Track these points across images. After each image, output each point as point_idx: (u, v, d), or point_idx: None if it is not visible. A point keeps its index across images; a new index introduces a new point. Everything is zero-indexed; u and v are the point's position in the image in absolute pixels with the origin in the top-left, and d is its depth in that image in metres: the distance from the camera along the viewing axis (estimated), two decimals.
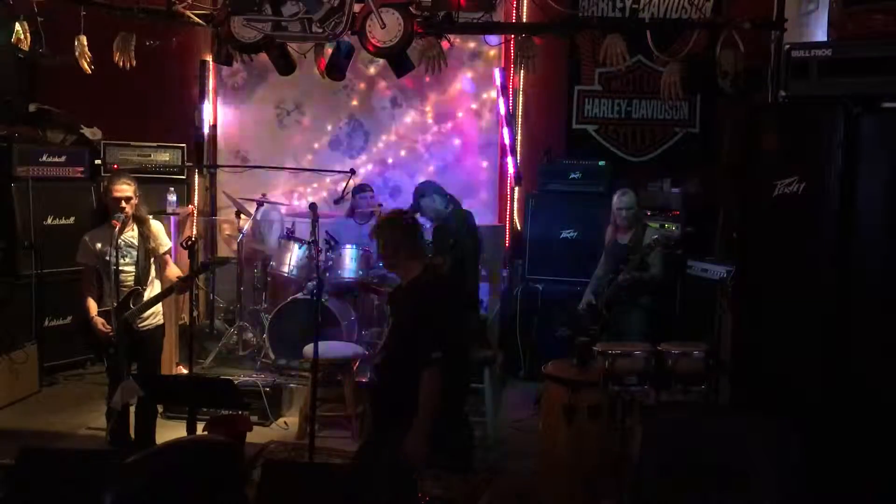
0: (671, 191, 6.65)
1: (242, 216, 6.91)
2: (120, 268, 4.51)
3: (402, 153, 7.54)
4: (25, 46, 5.28)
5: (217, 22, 5.08)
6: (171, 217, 6.48)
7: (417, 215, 5.06)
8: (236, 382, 5.29)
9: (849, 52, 3.87)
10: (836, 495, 3.62)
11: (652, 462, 2.97)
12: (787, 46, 4.12)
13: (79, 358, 6.66)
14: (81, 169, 6.82)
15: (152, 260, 4.71)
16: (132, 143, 6.93)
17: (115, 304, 4.51)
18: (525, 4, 6.95)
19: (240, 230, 6.89)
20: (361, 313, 6.52)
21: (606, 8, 6.97)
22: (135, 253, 4.62)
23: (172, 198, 6.69)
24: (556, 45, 6.88)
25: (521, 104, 7.29)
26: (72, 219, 6.61)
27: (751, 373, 4.21)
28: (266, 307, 6.81)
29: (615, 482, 4.10)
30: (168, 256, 4.80)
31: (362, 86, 7.50)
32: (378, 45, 4.61)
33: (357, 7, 4.63)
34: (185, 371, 5.51)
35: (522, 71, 6.88)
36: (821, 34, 4.71)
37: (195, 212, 7.11)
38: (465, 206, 7.20)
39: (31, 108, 7.02)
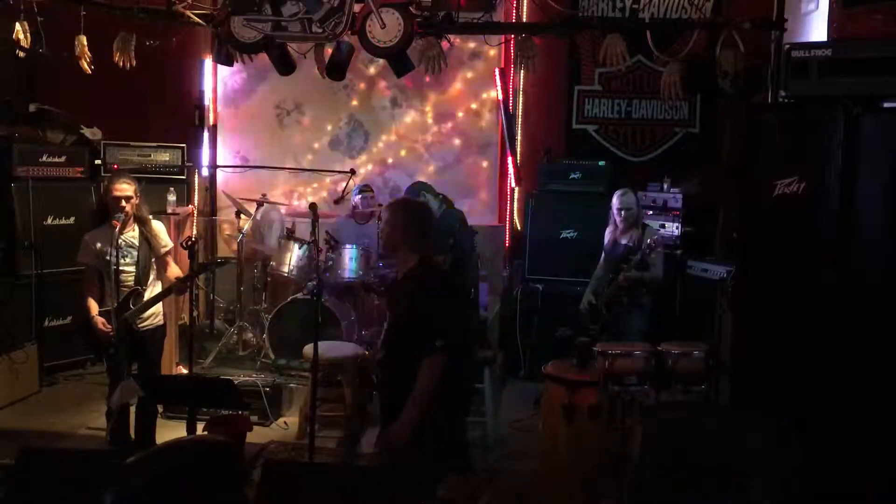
0: (671, 191, 6.65)
1: (242, 216, 6.91)
2: (120, 268, 4.51)
3: (402, 153, 7.54)
4: (26, 46, 5.28)
5: (217, 22, 5.09)
6: (171, 217, 6.48)
7: None
8: (236, 382, 5.29)
9: (849, 52, 3.87)
10: (836, 495, 3.62)
11: (652, 462, 2.97)
12: (787, 46, 4.12)
13: (79, 358, 6.66)
14: (81, 169, 6.82)
15: (153, 260, 4.70)
16: (132, 143, 6.93)
17: (116, 305, 4.51)
18: (525, 4, 6.95)
19: (240, 230, 6.89)
20: (361, 313, 6.52)
21: (606, 8, 6.97)
22: (135, 253, 4.62)
23: (172, 198, 6.69)
24: (556, 45, 6.88)
25: (521, 104, 7.29)
26: (72, 219, 6.60)
27: (751, 373, 4.21)
28: (266, 307, 6.81)
29: (615, 482, 4.10)
30: (169, 257, 4.79)
31: (362, 86, 7.50)
32: (378, 45, 4.61)
33: (357, 7, 4.63)
34: (185, 371, 5.51)
35: (522, 71, 6.88)
36: (821, 34, 4.71)
37: (195, 212, 7.11)
38: (465, 207, 7.24)
39: (31, 108, 7.02)
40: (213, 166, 7.64)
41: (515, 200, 7.29)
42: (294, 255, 6.46)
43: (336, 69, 5.01)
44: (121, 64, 5.35)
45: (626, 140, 7.16)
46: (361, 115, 7.55)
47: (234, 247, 7.01)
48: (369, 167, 7.55)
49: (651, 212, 6.38)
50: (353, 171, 7.09)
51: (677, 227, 6.44)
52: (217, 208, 7.69)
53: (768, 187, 3.96)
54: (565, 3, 5.79)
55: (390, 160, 7.54)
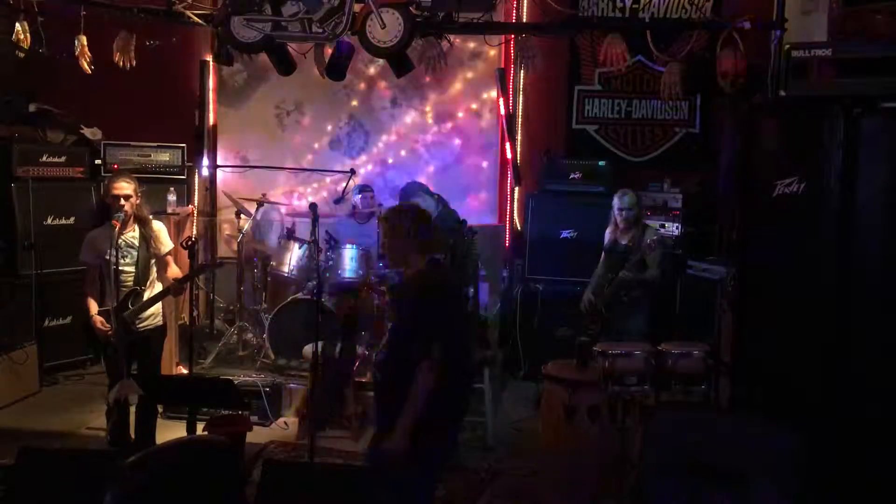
0: (671, 191, 6.65)
1: (242, 216, 6.91)
2: (120, 268, 4.51)
3: (402, 153, 7.54)
4: (26, 46, 5.28)
5: (217, 22, 5.08)
6: (171, 217, 6.47)
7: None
8: (236, 382, 5.29)
9: (849, 52, 3.87)
10: (836, 495, 3.62)
11: (652, 462, 2.97)
12: (787, 46, 4.12)
13: (79, 358, 6.66)
14: (81, 169, 6.83)
15: (153, 261, 4.70)
16: (132, 143, 6.93)
17: (115, 304, 4.51)
18: (525, 4, 6.95)
19: (240, 230, 6.89)
20: (361, 314, 6.51)
21: (606, 8, 6.97)
22: (135, 253, 4.62)
23: (172, 198, 6.69)
24: (556, 45, 6.88)
25: (521, 104, 7.29)
26: (72, 219, 6.61)
27: (751, 373, 4.21)
28: (266, 307, 6.81)
29: (615, 482, 4.11)
30: (169, 257, 4.79)
31: (362, 86, 7.50)
32: (378, 45, 4.61)
33: (357, 7, 4.63)
34: (185, 371, 5.51)
35: (522, 71, 6.88)
36: (821, 34, 4.71)
37: (195, 212, 7.11)
38: (465, 207, 7.25)
39: (31, 108, 7.02)
40: (213, 166, 7.64)
41: (515, 200, 7.29)
42: (294, 255, 6.46)
43: (336, 69, 5.01)
44: (121, 64, 5.35)
45: (626, 140, 7.16)
46: (361, 115, 7.55)
47: (234, 247, 7.01)
48: (369, 167, 7.55)
49: (651, 212, 6.38)
50: (353, 171, 7.09)
51: (677, 227, 6.44)
52: (217, 208, 7.68)
53: (768, 187, 3.96)
54: (565, 3, 5.79)
55: (390, 160, 7.54)
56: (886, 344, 3.65)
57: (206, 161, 7.57)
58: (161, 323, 4.78)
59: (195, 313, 6.10)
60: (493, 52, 7.26)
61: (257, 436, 5.16)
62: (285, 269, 6.46)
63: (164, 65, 6.79)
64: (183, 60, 7.30)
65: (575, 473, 4.30)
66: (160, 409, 5.03)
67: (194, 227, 6.92)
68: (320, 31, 4.69)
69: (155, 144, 6.98)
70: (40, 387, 6.16)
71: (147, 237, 4.65)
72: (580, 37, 6.96)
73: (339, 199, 6.90)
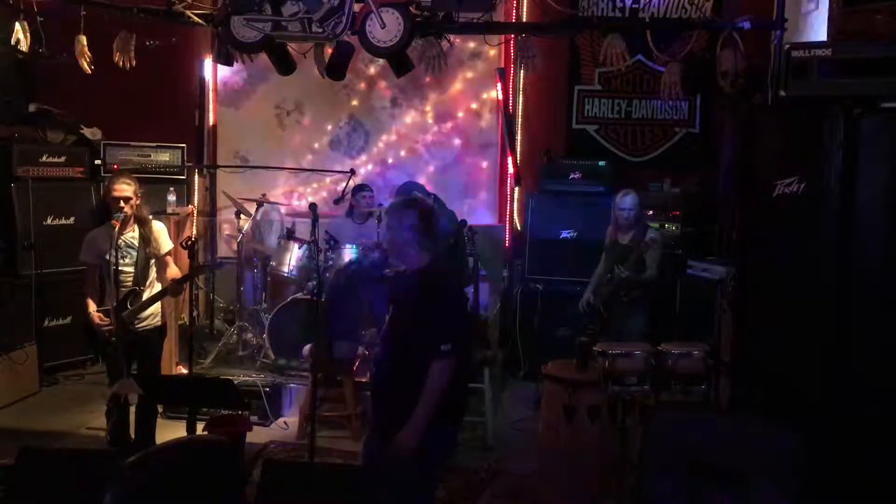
0: (671, 191, 6.65)
1: (242, 216, 6.91)
2: (120, 268, 4.51)
3: (402, 153, 7.54)
4: (25, 47, 5.28)
5: (217, 22, 5.08)
6: (171, 217, 6.47)
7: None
8: (236, 382, 5.29)
9: (849, 52, 3.87)
10: (837, 495, 3.62)
11: (652, 462, 2.97)
12: (787, 46, 4.11)
13: (79, 358, 6.67)
14: (81, 169, 6.83)
15: (152, 261, 4.70)
16: (132, 143, 6.93)
17: (115, 304, 4.51)
18: (525, 4, 6.95)
19: (240, 230, 6.89)
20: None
21: (606, 8, 6.97)
22: (135, 253, 4.62)
23: (172, 198, 6.70)
24: (556, 45, 6.88)
25: (521, 104, 7.29)
26: (72, 219, 6.61)
27: (751, 373, 4.21)
28: (266, 307, 6.81)
29: (615, 482, 4.11)
30: (169, 258, 4.79)
31: (362, 86, 7.50)
32: (378, 45, 4.61)
33: (357, 7, 4.63)
34: (185, 371, 5.51)
35: (522, 71, 6.88)
36: (821, 34, 4.70)
37: (195, 212, 7.11)
38: (465, 207, 7.25)
39: (31, 108, 7.03)
40: (213, 166, 7.64)
41: (515, 200, 7.29)
42: (294, 255, 6.46)
43: (336, 69, 5.00)
44: (121, 64, 5.34)
45: (626, 140, 7.16)
46: (361, 115, 7.56)
47: (234, 247, 7.01)
48: (369, 167, 7.55)
49: (651, 212, 6.38)
50: (353, 171, 7.09)
51: (677, 227, 6.44)
52: (217, 208, 7.69)
53: (768, 187, 3.96)
54: (565, 3, 5.78)
55: (390, 160, 7.54)
56: (886, 344, 3.65)
57: (206, 161, 7.58)
58: (160, 323, 4.78)
59: (195, 313, 6.11)
60: (493, 52, 7.26)
61: (257, 436, 5.17)
62: (285, 269, 6.46)
63: (164, 65, 6.79)
64: (183, 60, 7.31)
65: (575, 473, 4.30)
66: (160, 409, 5.03)
67: (194, 227, 6.92)
68: (320, 31, 4.69)
69: (155, 144, 6.99)
70: (40, 387, 6.17)
71: (147, 237, 4.65)
72: (580, 37, 6.96)
73: (339, 199, 6.90)
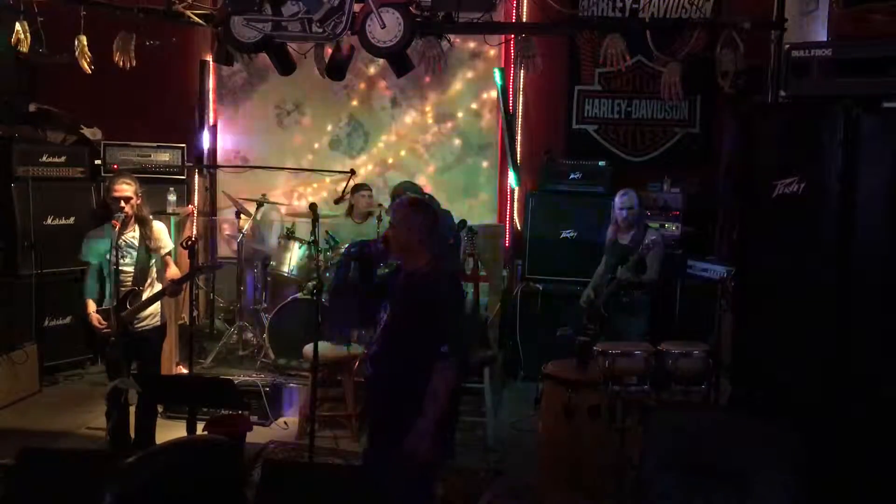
0: (671, 191, 6.65)
1: (242, 216, 6.91)
2: (120, 268, 4.51)
3: (402, 153, 7.54)
4: (25, 47, 5.28)
5: (217, 22, 5.09)
6: (171, 217, 6.48)
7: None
8: (236, 382, 5.29)
9: (849, 52, 3.86)
10: (836, 495, 3.62)
11: (652, 462, 2.97)
12: (787, 46, 4.11)
13: (79, 358, 6.67)
14: (81, 169, 6.83)
15: (152, 261, 4.70)
16: (132, 143, 6.93)
17: (114, 304, 4.52)
18: (525, 4, 6.95)
19: (240, 230, 6.89)
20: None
21: (606, 8, 6.97)
22: (135, 253, 4.62)
23: (172, 198, 6.70)
24: (556, 45, 6.88)
25: (521, 104, 7.29)
26: (72, 219, 6.61)
27: (751, 373, 4.21)
28: (266, 307, 6.82)
29: (615, 482, 4.11)
30: (169, 258, 4.79)
31: (362, 86, 7.50)
32: (378, 45, 4.61)
33: (357, 7, 4.63)
34: (185, 371, 5.51)
35: (522, 71, 6.88)
36: (821, 34, 4.70)
37: (195, 212, 7.11)
38: (465, 207, 7.25)
39: (31, 108, 7.03)
40: (213, 166, 7.64)
41: (515, 200, 7.29)
42: (294, 255, 6.46)
43: (336, 69, 5.01)
44: (121, 64, 5.35)
45: (626, 140, 7.16)
46: (361, 115, 7.55)
47: (234, 247, 7.01)
48: (369, 167, 7.55)
49: (651, 212, 6.38)
50: (353, 171, 7.09)
51: (677, 227, 6.44)
52: (217, 208, 7.69)
53: (768, 187, 3.96)
54: (565, 3, 5.78)
55: (390, 160, 7.54)
56: (886, 344, 3.64)
57: (206, 161, 7.58)
58: (160, 323, 4.78)
59: (195, 313, 6.10)
60: (493, 52, 7.26)
61: (257, 436, 5.16)
62: (285, 269, 6.46)
63: (164, 65, 6.79)
64: (183, 60, 7.31)
65: (575, 473, 4.30)
66: (160, 409, 5.03)
67: (194, 227, 6.92)
68: (320, 31, 4.69)
69: (155, 144, 6.99)
70: (40, 387, 6.17)
71: (147, 237, 4.65)
72: (580, 37, 6.96)
73: (339, 199, 6.90)
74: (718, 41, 4.84)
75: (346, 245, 5.53)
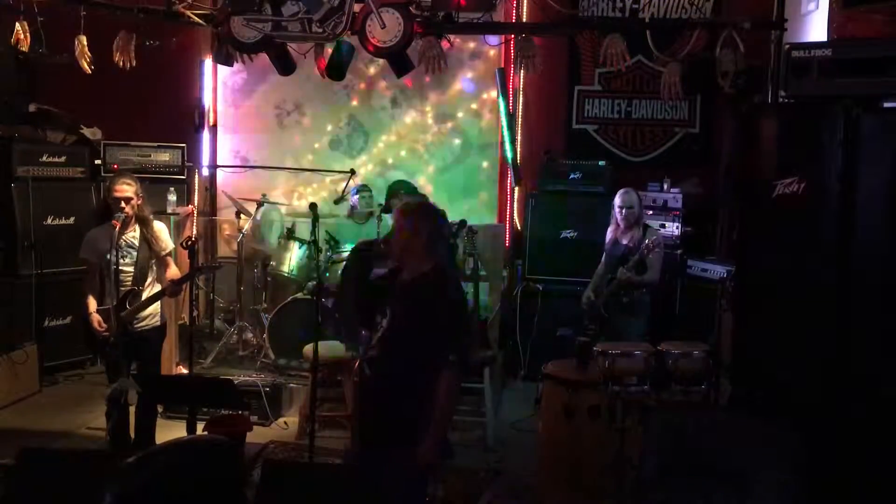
0: (671, 191, 6.65)
1: (242, 216, 6.91)
2: (120, 267, 4.51)
3: (402, 153, 7.54)
4: (25, 47, 5.28)
5: (217, 22, 5.09)
6: (171, 217, 6.48)
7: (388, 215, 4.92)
8: (236, 382, 5.29)
9: (849, 52, 3.87)
10: (836, 495, 3.62)
11: (652, 462, 2.97)
12: (787, 46, 4.12)
13: (79, 358, 6.67)
14: (81, 169, 6.83)
15: (152, 261, 4.70)
16: (132, 143, 6.93)
17: (114, 304, 4.51)
18: (525, 4, 6.95)
19: (240, 230, 6.89)
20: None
21: (606, 8, 6.97)
22: (135, 253, 4.62)
23: (172, 198, 6.70)
24: (556, 45, 6.88)
25: (521, 104, 7.29)
26: (72, 219, 6.61)
27: (751, 373, 4.21)
28: (266, 307, 6.82)
29: (615, 482, 4.10)
30: (169, 258, 4.78)
31: (362, 86, 7.51)
32: (378, 45, 4.61)
33: (357, 7, 4.63)
34: (185, 371, 5.51)
35: (522, 71, 6.87)
36: (821, 34, 4.71)
37: (195, 212, 7.11)
38: (465, 207, 7.25)
39: (31, 108, 7.03)
40: (213, 166, 7.65)
41: (515, 200, 7.29)
42: (294, 255, 6.46)
43: (336, 69, 5.01)
44: (121, 64, 5.34)
45: (626, 140, 7.16)
46: (361, 115, 7.56)
47: (234, 247, 7.02)
48: (369, 167, 7.55)
49: (651, 212, 6.38)
50: (353, 171, 7.09)
51: (677, 227, 6.44)
52: (217, 208, 7.69)
53: (768, 187, 3.96)
54: (565, 3, 5.78)
55: (390, 160, 7.55)
56: (886, 344, 3.64)
57: (206, 161, 7.58)
58: (159, 323, 4.77)
59: (195, 313, 6.10)
60: (493, 52, 7.26)
61: (257, 436, 5.16)
62: (285, 269, 6.47)
63: (164, 65, 6.79)
64: (183, 60, 7.30)
65: (575, 473, 4.30)
66: (160, 409, 5.03)
67: (194, 227, 6.92)
68: (320, 31, 4.69)
69: (155, 144, 6.99)
70: (40, 387, 6.17)
71: (148, 238, 4.65)
72: (580, 37, 6.96)
73: (339, 199, 6.90)
74: (718, 41, 4.84)
75: (355, 245, 5.54)
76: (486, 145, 7.43)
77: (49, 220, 6.52)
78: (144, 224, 4.66)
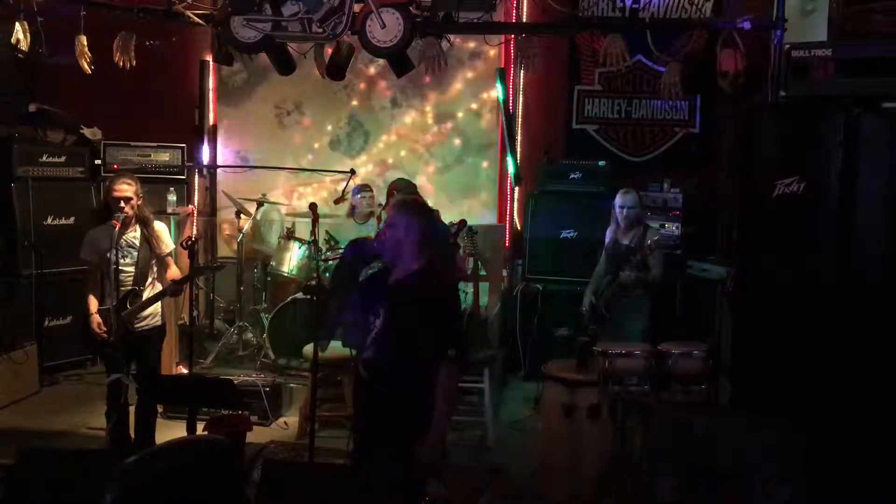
0: (671, 191, 6.65)
1: (242, 216, 6.91)
2: (120, 267, 4.51)
3: (402, 153, 7.54)
4: (25, 47, 5.28)
5: (217, 22, 5.09)
6: (171, 217, 6.48)
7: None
8: (236, 382, 5.29)
9: (849, 52, 3.87)
10: (836, 495, 3.62)
11: (652, 462, 2.97)
12: (787, 46, 4.12)
13: (79, 358, 6.66)
14: (81, 169, 6.83)
15: (153, 261, 4.70)
16: (132, 143, 6.93)
17: (114, 304, 4.51)
18: (525, 4, 6.95)
19: (240, 230, 6.89)
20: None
21: (606, 8, 6.97)
22: (135, 253, 4.62)
23: (172, 198, 6.70)
24: (556, 45, 6.88)
25: (521, 104, 7.29)
26: (72, 219, 6.61)
27: (751, 373, 4.21)
28: (266, 307, 6.82)
29: (615, 482, 4.10)
30: (170, 258, 4.78)
31: (362, 86, 7.51)
32: (378, 45, 4.61)
33: (357, 7, 4.63)
34: (185, 371, 5.51)
35: (522, 71, 6.88)
36: (821, 34, 4.71)
37: (195, 212, 7.12)
38: (464, 207, 7.25)
39: (31, 108, 7.03)
40: (213, 166, 7.65)
41: (515, 200, 7.29)
42: (294, 255, 6.46)
43: (336, 69, 5.01)
44: (121, 64, 5.34)
45: (626, 140, 7.16)
46: (361, 115, 7.56)
47: (234, 247, 7.01)
48: (369, 167, 7.55)
49: (651, 212, 6.38)
50: (353, 171, 7.09)
51: (677, 227, 6.44)
52: (217, 208, 7.69)
53: (768, 187, 3.96)
54: (565, 3, 5.78)
55: (390, 160, 7.54)
56: (886, 344, 3.65)
57: (206, 161, 7.58)
58: (160, 323, 4.77)
59: (195, 313, 6.10)
60: (493, 52, 7.26)
61: (257, 436, 5.16)
62: (285, 269, 6.46)
63: (164, 65, 6.80)
64: (183, 60, 7.31)
65: (575, 473, 4.30)
66: (160, 409, 5.02)
67: (194, 227, 6.92)
68: (320, 31, 4.69)
69: (155, 144, 6.99)
70: (40, 387, 6.16)
71: (148, 238, 4.65)
72: (580, 37, 6.96)
73: (339, 199, 6.90)
74: (718, 41, 4.84)
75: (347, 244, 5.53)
76: (486, 145, 7.43)
77: (49, 220, 6.52)
78: (145, 224, 4.66)
